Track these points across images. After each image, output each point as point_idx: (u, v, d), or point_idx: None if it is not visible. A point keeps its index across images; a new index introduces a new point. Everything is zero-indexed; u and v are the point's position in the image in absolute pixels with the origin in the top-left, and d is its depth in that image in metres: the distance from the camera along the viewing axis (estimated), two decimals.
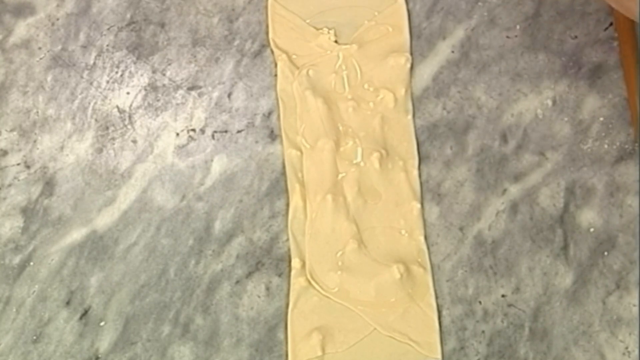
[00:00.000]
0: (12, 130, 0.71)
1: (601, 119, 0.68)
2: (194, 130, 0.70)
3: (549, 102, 0.68)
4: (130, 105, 0.71)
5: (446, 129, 0.68)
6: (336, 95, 0.70)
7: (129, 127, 0.70)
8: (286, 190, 0.66)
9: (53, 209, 0.67)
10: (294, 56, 0.71)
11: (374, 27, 0.72)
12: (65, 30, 0.75)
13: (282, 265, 0.64)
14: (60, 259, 0.65)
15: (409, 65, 0.70)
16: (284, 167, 0.67)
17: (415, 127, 0.68)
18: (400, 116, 0.68)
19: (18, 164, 0.69)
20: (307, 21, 0.73)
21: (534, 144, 0.67)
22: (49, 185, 0.68)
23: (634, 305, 0.61)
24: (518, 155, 0.67)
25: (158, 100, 0.71)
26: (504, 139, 0.67)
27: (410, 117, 0.68)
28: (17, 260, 0.65)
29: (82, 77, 0.73)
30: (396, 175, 0.66)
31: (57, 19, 0.76)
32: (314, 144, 0.67)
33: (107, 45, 0.74)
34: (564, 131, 0.68)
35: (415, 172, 0.66)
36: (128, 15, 0.75)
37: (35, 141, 0.70)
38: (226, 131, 0.69)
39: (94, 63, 0.73)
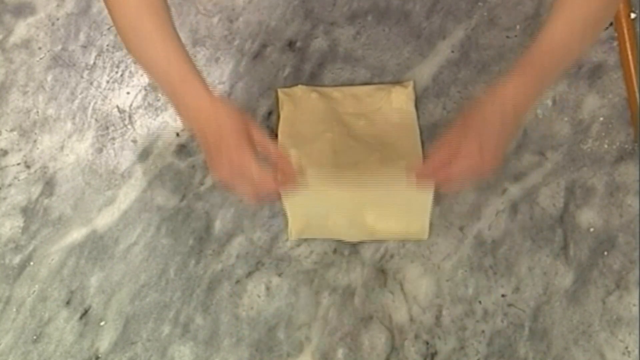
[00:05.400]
0: (12, 130, 0.71)
1: (601, 119, 0.68)
2: None
3: (549, 102, 0.68)
4: (131, 105, 0.71)
5: (446, 129, 0.68)
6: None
7: (129, 127, 0.70)
8: None
9: (53, 209, 0.67)
10: None
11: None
12: (65, 30, 0.75)
13: (282, 265, 0.64)
14: (60, 259, 0.65)
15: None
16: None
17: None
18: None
19: (18, 164, 0.69)
20: None
21: (534, 144, 0.67)
22: (49, 185, 0.68)
23: (634, 305, 0.61)
24: (518, 155, 0.67)
25: (158, 100, 0.71)
26: None
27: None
28: (17, 260, 0.65)
29: (82, 77, 0.73)
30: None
31: (57, 19, 0.76)
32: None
33: (107, 45, 0.74)
34: (564, 131, 0.68)
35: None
36: None
37: (35, 141, 0.70)
38: None
39: (94, 63, 0.73)
